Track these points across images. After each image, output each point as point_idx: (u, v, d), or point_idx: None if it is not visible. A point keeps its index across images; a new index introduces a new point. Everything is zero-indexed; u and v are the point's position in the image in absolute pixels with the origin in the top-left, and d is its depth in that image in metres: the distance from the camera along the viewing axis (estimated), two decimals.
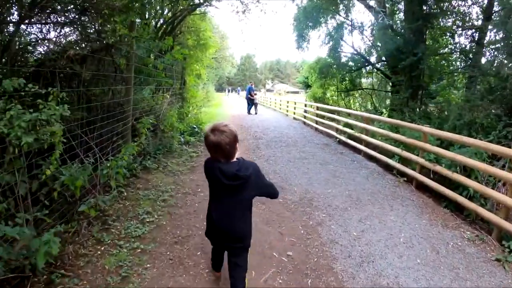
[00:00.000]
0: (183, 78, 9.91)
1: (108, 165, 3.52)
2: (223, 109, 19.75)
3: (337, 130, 8.54)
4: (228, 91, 51.47)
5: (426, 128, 4.90)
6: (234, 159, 1.81)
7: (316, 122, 10.54)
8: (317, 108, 10.64)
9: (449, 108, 7.31)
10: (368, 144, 6.83)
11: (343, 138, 7.88)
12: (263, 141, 8.37)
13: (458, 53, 9.10)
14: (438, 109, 8.12)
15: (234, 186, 1.76)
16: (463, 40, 9.50)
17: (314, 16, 10.91)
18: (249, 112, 15.98)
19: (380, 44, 11.14)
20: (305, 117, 12.31)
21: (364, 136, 6.81)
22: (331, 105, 13.03)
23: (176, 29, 10.25)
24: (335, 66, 11.82)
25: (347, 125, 7.94)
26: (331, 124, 9.21)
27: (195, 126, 8.51)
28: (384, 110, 11.21)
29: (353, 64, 11.65)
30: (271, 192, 2.00)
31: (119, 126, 4.48)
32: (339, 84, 12.71)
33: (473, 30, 9.17)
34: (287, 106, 16.55)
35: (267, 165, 5.89)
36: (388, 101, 13.87)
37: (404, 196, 4.65)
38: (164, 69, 7.50)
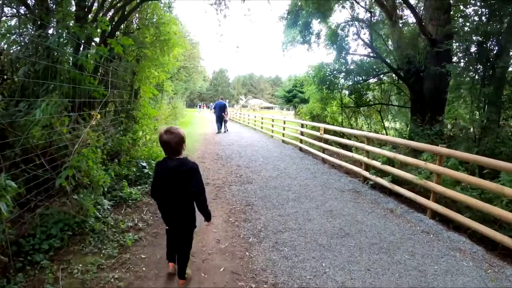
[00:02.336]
0: (133, 88, 6.70)
1: None
2: (194, 128, 16.48)
3: (366, 166, 5.67)
4: (200, 107, 48.39)
5: None
6: (181, 156, 2.22)
7: (323, 151, 7.64)
8: (324, 131, 7.71)
9: None
10: (438, 196, 4.04)
11: (385, 183, 4.97)
12: (254, 187, 5.26)
13: None
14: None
15: (174, 177, 2.16)
16: None
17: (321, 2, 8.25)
18: (219, 131, 14.36)
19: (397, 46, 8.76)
20: (301, 141, 9.40)
21: (436, 186, 3.98)
22: (330, 123, 10.29)
23: (128, 20, 7.10)
24: (342, 74, 9.10)
25: (389, 161, 5.09)
26: (353, 156, 6.30)
27: (145, 164, 5.20)
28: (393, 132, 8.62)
29: (363, 71, 8.88)
30: (198, 193, 2.19)
31: None
32: (344, 97, 9.91)
33: None
34: (272, 126, 13.57)
35: (281, 263, 2.80)
36: (389, 117, 11.44)
37: None
38: (99, 72, 4.49)
